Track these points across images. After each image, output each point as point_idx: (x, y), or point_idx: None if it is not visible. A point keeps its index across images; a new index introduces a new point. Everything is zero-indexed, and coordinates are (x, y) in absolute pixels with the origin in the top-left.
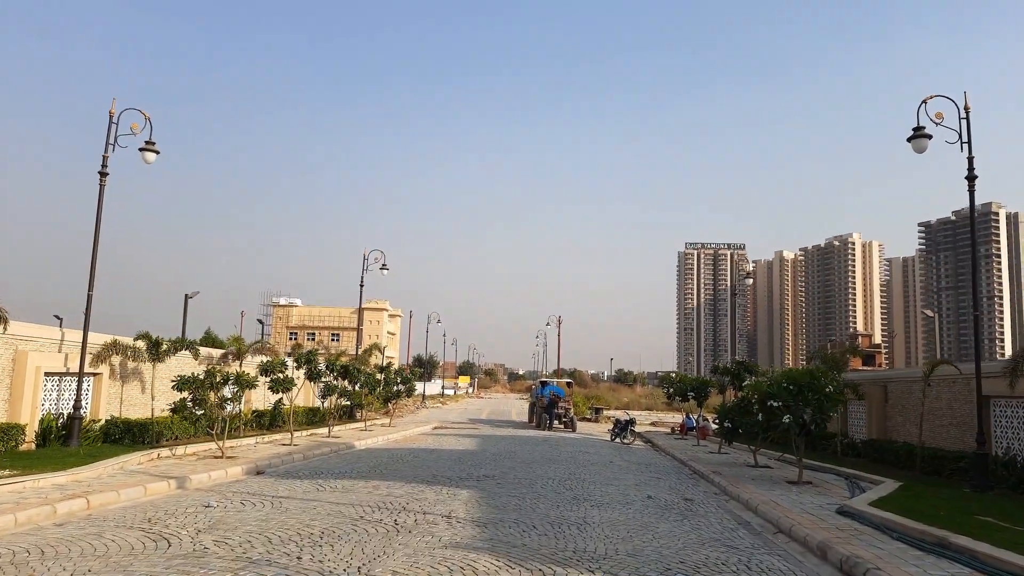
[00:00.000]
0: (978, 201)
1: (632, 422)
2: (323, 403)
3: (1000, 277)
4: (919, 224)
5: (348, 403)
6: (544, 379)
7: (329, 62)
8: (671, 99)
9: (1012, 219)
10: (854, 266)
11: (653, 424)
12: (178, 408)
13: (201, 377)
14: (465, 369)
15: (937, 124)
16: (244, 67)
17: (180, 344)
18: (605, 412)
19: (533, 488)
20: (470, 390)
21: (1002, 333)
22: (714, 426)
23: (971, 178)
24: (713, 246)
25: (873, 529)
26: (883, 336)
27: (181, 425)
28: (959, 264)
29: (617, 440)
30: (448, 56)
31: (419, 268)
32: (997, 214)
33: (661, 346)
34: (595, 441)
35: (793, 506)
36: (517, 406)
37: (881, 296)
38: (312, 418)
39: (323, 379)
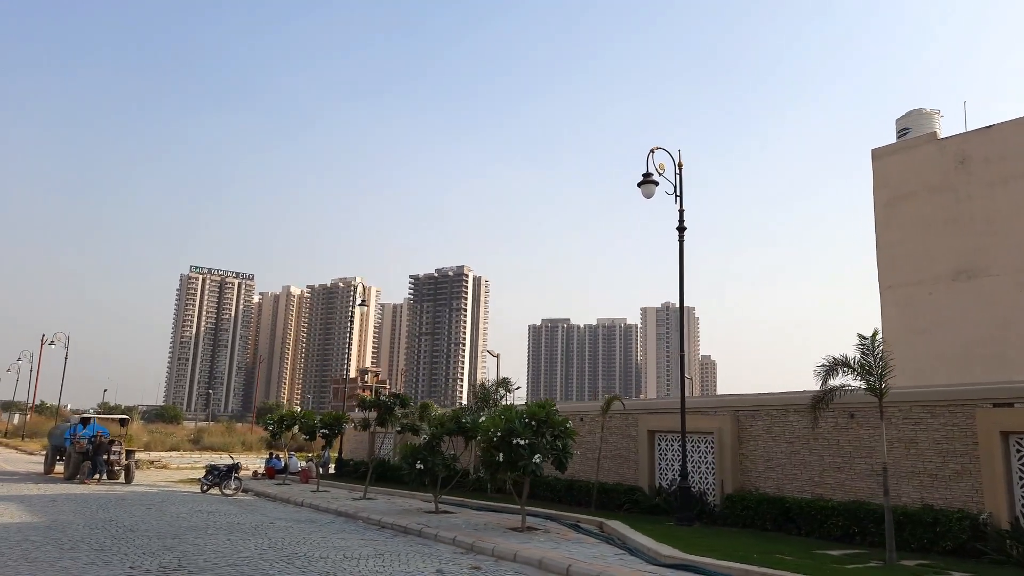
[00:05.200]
0: (453, 263)
1: (236, 467)
2: None
3: (465, 326)
4: (410, 276)
5: None
6: (85, 415)
7: None
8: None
9: (477, 281)
10: (355, 307)
11: None
12: None
13: None
14: None
15: (661, 174)
16: None
17: None
18: (137, 455)
19: None
20: None
21: (463, 372)
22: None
23: (681, 228)
24: (221, 272)
25: None
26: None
27: None
28: (437, 313)
29: (215, 491)
30: None
31: None
32: (467, 275)
33: (145, 377)
34: (185, 495)
35: (602, 562)
36: None
37: (374, 336)
38: None
39: None
